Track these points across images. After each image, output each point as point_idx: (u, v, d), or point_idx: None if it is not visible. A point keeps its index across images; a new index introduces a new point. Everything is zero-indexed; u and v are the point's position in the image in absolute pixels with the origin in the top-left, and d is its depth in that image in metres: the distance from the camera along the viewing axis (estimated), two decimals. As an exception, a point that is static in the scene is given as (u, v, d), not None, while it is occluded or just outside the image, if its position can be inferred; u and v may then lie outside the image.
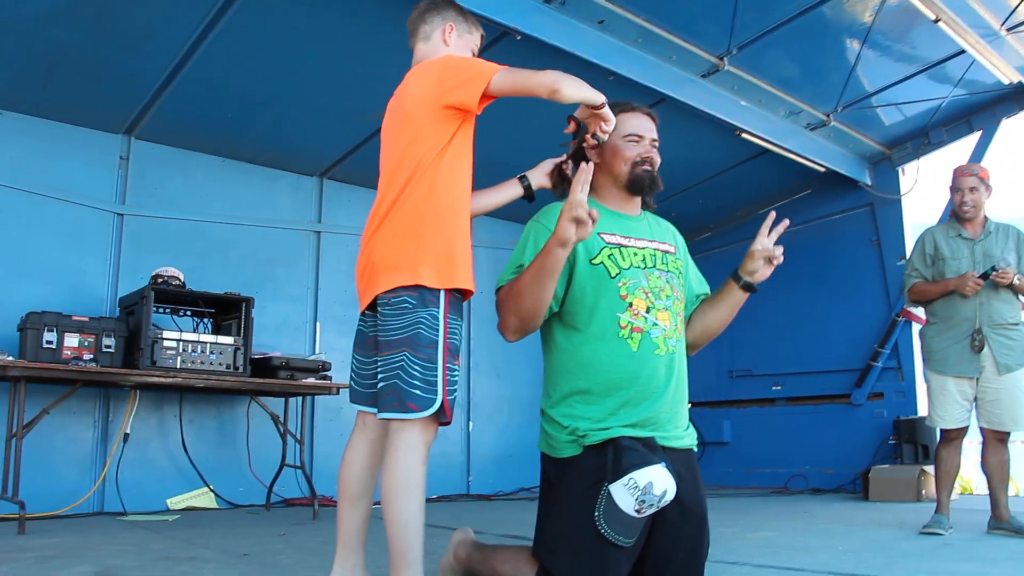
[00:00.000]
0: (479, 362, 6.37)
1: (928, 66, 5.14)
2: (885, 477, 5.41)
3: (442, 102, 2.00)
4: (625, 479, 1.85)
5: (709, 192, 6.46)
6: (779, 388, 6.85)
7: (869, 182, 6.37)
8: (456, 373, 1.99)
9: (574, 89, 1.97)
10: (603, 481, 1.88)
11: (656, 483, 1.84)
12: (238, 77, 4.37)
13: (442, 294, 1.95)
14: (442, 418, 1.94)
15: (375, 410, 2.04)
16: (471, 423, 6.30)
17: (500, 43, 4.06)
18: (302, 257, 5.59)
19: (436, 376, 1.91)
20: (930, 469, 5.22)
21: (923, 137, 6.11)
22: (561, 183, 2.30)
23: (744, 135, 5.31)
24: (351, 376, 2.16)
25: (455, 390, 1.98)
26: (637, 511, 1.85)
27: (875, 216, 6.39)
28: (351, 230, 5.68)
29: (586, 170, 1.86)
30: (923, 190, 6.59)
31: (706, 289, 2.42)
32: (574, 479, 1.86)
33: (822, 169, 6.02)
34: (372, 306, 2.03)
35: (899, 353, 6.14)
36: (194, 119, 4.79)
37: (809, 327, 6.66)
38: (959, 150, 6.17)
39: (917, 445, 5.67)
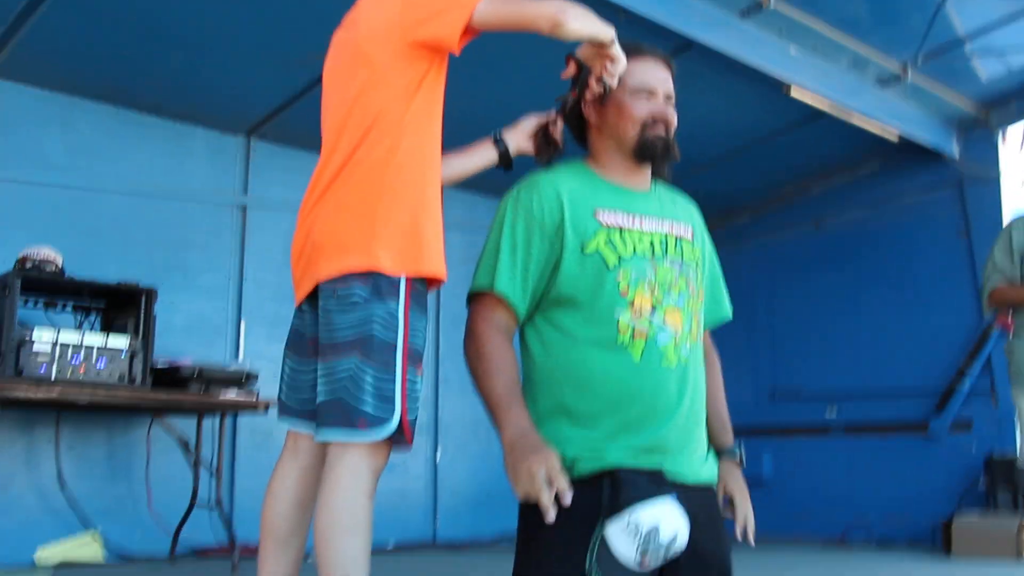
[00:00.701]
0: (449, 375, 6.39)
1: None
2: (973, 529, 5.46)
3: (410, 37, 2.01)
4: (624, 519, 1.85)
5: (747, 164, 6.50)
6: (834, 413, 6.91)
7: (957, 154, 6.42)
8: (418, 385, 2.00)
9: (582, 22, 1.97)
10: (597, 521, 1.89)
11: (664, 525, 1.85)
12: (139, 1, 4.36)
13: (403, 283, 1.96)
14: (400, 441, 1.96)
15: (311, 429, 2.05)
16: (439, 451, 6.33)
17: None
18: (222, 238, 5.61)
19: (394, 387, 1.92)
20: (1031, 520, 5.28)
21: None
22: (547, 148, 2.30)
23: (794, 92, 5.33)
24: (281, 386, 2.16)
25: (417, 406, 1.99)
26: (640, 561, 1.86)
27: (964, 198, 6.43)
28: (286, 205, 5.68)
29: None
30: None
31: (724, 312, 2.42)
32: (560, 519, 1.87)
33: (895, 137, 6.05)
34: (312, 297, 2.04)
35: (993, 372, 6.17)
36: (77, 54, 4.76)
37: (875, 337, 6.72)
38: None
39: (1017, 490, 5.70)
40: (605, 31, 2.02)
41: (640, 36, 4.23)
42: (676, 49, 4.76)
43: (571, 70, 2.16)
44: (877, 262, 6.74)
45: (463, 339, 2.14)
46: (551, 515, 1.83)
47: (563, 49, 2.13)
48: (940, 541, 5.74)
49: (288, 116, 5.47)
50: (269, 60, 4.87)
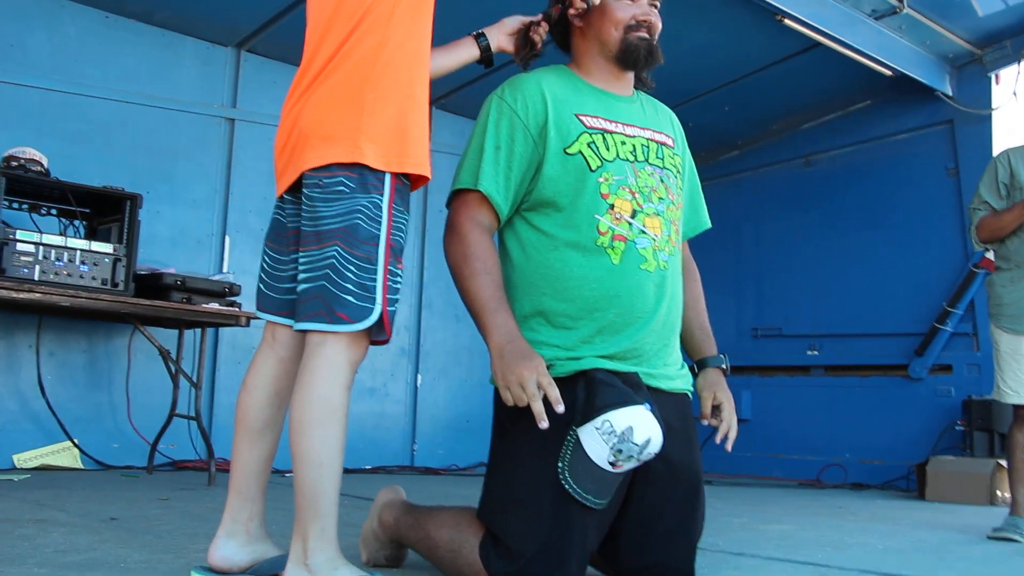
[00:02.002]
0: (432, 299, 6.42)
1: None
2: (948, 471, 5.43)
3: None
4: (598, 421, 1.88)
5: (738, 97, 6.47)
6: (815, 353, 6.97)
7: (950, 91, 6.40)
8: (399, 279, 2.00)
9: None
10: (570, 424, 1.92)
11: (637, 428, 1.88)
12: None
13: (388, 178, 1.95)
14: (379, 335, 1.95)
15: (289, 321, 2.05)
16: (419, 377, 6.37)
17: None
18: (209, 150, 5.58)
19: (375, 280, 1.91)
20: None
21: (1029, 32, 6.11)
22: (525, 49, 2.31)
23: (787, 22, 5.30)
24: (260, 277, 2.16)
25: (397, 299, 1.98)
26: (612, 463, 1.89)
27: (955, 136, 6.42)
28: (275, 119, 5.58)
29: None
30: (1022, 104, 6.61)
31: (703, 221, 2.44)
32: (533, 420, 1.90)
33: (888, 72, 6.03)
34: (295, 189, 2.03)
35: (975, 315, 6.21)
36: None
37: (858, 277, 6.74)
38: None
39: (993, 433, 5.70)
40: None
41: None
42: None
43: None
44: (865, 200, 6.75)
45: (443, 236, 2.14)
46: (544, 423, 1.87)
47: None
48: (915, 484, 5.79)
49: (279, 30, 5.42)
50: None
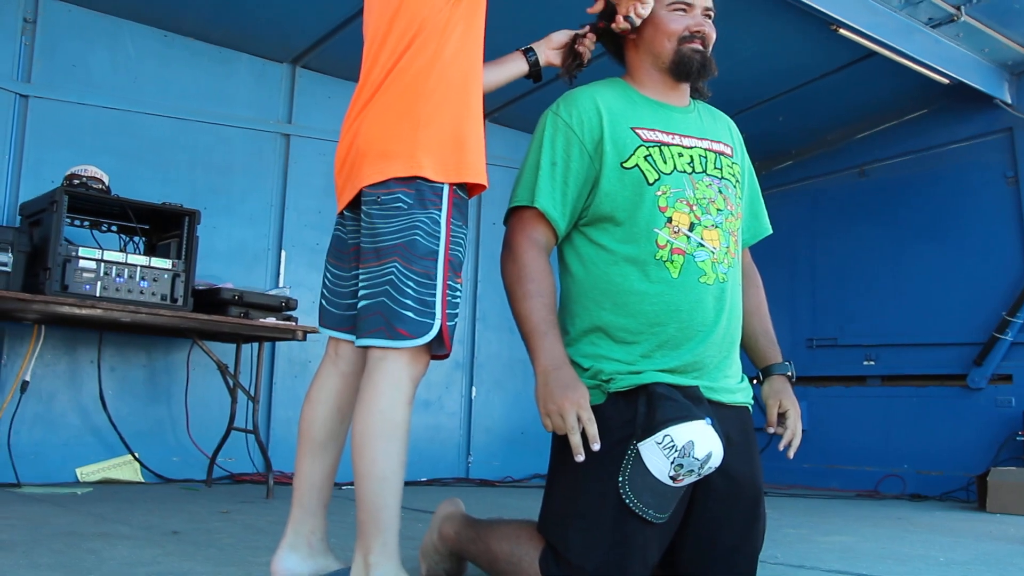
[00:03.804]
0: (487, 311, 6.43)
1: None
2: (1009, 483, 5.35)
3: None
4: (659, 435, 1.88)
5: (792, 107, 6.41)
6: (872, 364, 6.87)
7: (1010, 99, 6.28)
8: (458, 293, 2.01)
9: None
10: (631, 438, 1.92)
11: (698, 443, 1.87)
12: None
13: (446, 190, 1.97)
14: (438, 349, 1.97)
15: (351, 337, 2.07)
16: (474, 389, 6.38)
17: None
18: (265, 166, 5.63)
19: (435, 295, 1.93)
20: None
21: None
22: (572, 62, 2.33)
23: (842, 31, 5.24)
24: (322, 293, 2.19)
25: (456, 314, 2.00)
26: (673, 478, 1.89)
27: (1014, 144, 6.29)
28: (330, 134, 5.71)
29: None
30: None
31: (764, 227, 2.44)
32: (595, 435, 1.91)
33: (946, 80, 5.94)
34: (355, 205, 2.05)
35: (1036, 323, 6.12)
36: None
37: (915, 286, 6.65)
38: None
39: (1056, 444, 5.66)
40: None
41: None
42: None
43: (599, 5, 2.22)
44: (922, 210, 6.65)
45: (500, 254, 2.15)
46: (580, 457, 1.88)
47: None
48: (975, 495, 5.70)
49: (333, 45, 5.47)
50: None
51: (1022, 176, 6.21)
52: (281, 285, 5.40)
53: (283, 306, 4.64)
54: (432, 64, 2.01)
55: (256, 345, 4.84)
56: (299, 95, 5.78)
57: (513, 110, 6.23)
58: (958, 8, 5.47)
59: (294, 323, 4.65)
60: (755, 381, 2.32)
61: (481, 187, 2.09)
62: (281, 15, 5.20)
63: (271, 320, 4.54)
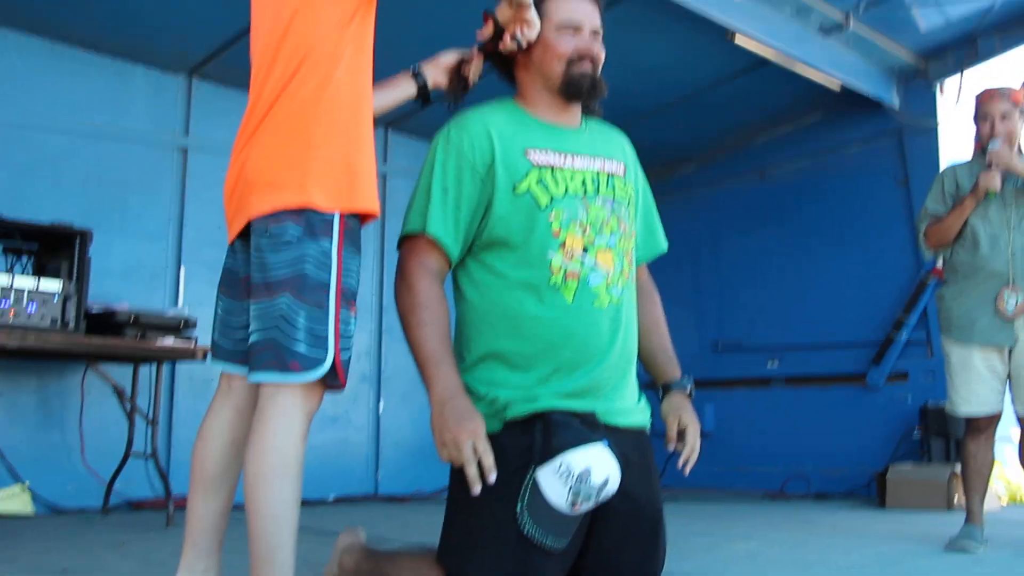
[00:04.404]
0: (392, 324, 6.36)
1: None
2: (907, 479, 5.51)
3: None
4: (556, 463, 1.87)
5: (691, 113, 6.50)
6: (776, 365, 7.00)
7: (897, 104, 6.46)
8: (352, 325, 1.99)
9: None
10: (528, 466, 1.90)
11: (595, 469, 1.86)
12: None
13: (336, 220, 1.94)
14: (332, 381, 1.94)
15: (244, 370, 2.03)
16: (381, 403, 6.32)
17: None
18: (162, 181, 5.50)
19: (327, 328, 1.90)
20: (962, 470, 5.39)
21: (969, 46, 6.18)
22: (458, 85, 2.32)
23: (738, 40, 5.34)
24: (214, 326, 2.15)
25: (350, 346, 1.98)
26: (571, 504, 1.87)
27: (903, 147, 6.49)
28: (229, 147, 5.55)
29: None
30: (966, 115, 6.71)
31: (659, 244, 2.44)
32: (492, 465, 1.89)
33: (837, 86, 6.09)
34: (245, 235, 2.01)
35: (928, 323, 6.23)
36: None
37: (815, 288, 6.79)
38: (1015, 63, 6.31)
39: (949, 439, 5.75)
40: None
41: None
42: (621, -6, 4.75)
43: (488, 30, 2.20)
44: (819, 212, 6.80)
45: (394, 281, 2.13)
46: (476, 488, 1.86)
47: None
48: (875, 492, 5.82)
49: (231, 55, 5.35)
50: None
51: (912, 178, 6.38)
52: (180, 303, 5.28)
53: (181, 325, 4.52)
54: (321, 89, 1.98)
55: (154, 365, 4.72)
56: (196, 107, 5.66)
57: (417, 118, 6.19)
58: (847, 16, 5.61)
59: (193, 342, 4.53)
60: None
61: (373, 215, 2.06)
62: (177, 24, 5.08)
63: (169, 340, 4.43)
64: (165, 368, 4.85)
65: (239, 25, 5.03)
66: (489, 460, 1.87)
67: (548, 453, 1.89)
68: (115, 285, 5.07)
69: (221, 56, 5.41)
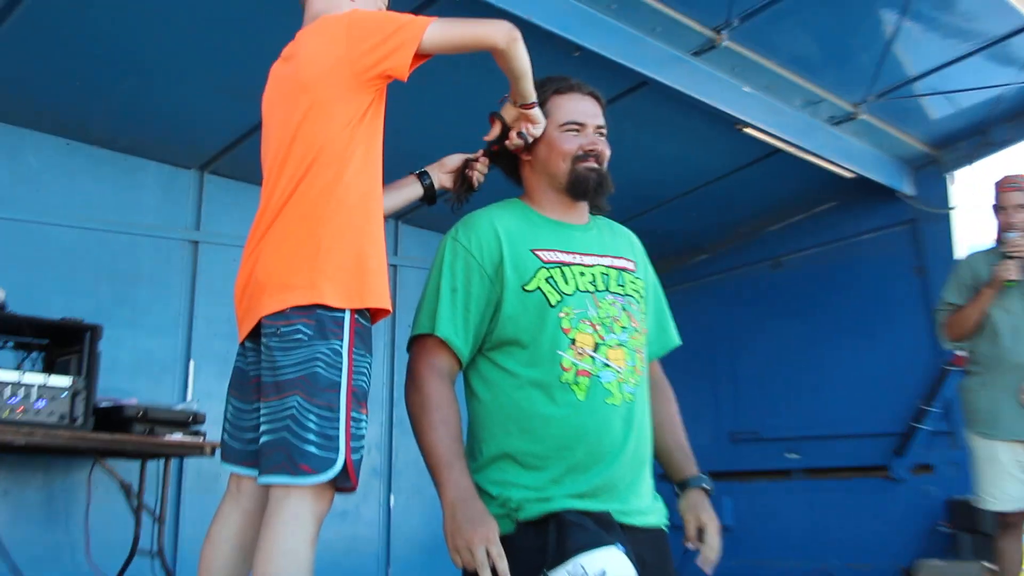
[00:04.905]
0: (403, 416, 6.24)
1: (989, 43, 5.22)
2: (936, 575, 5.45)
3: (358, 67, 2.03)
4: (570, 565, 1.85)
5: (703, 203, 6.53)
6: (796, 457, 6.91)
7: (910, 192, 6.49)
8: (363, 425, 1.99)
9: (525, 57, 2.09)
10: (542, 568, 1.89)
11: (610, 571, 1.85)
12: (87, 25, 4.27)
13: (347, 318, 1.96)
14: (343, 483, 1.94)
15: (254, 472, 2.03)
16: (392, 497, 6.25)
17: (433, 6, 4.11)
18: (173, 274, 5.54)
19: (338, 429, 1.91)
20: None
21: (981, 135, 6.22)
22: (462, 186, 2.37)
23: (748, 130, 5.40)
24: (224, 427, 2.16)
25: (361, 447, 1.98)
26: (586, 608, 1.87)
27: (918, 236, 6.49)
28: (239, 240, 5.60)
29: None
30: (979, 203, 6.74)
31: (671, 339, 2.45)
32: (504, 565, 1.88)
33: (849, 175, 6.12)
34: (255, 335, 2.03)
35: (952, 413, 6.13)
36: (25, 84, 4.69)
37: (833, 377, 6.72)
38: (1030, 151, 6.35)
39: (978, 534, 5.63)
40: (530, 89, 2.14)
41: (594, 73, 4.28)
42: (630, 87, 4.84)
43: (495, 131, 2.25)
44: (835, 300, 6.77)
45: (404, 383, 2.14)
46: None
47: (491, 104, 2.20)
48: (903, 587, 5.73)
49: (242, 151, 5.42)
50: (223, 94, 4.82)
51: (929, 266, 6.37)
52: (189, 398, 5.29)
53: (190, 420, 4.53)
54: (331, 189, 2.02)
55: (162, 461, 4.70)
56: (208, 201, 5.73)
57: (427, 211, 6.25)
58: (856, 107, 5.67)
59: (202, 438, 4.53)
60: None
61: (385, 312, 2.08)
62: (189, 121, 5.17)
63: (177, 436, 4.43)
64: (173, 464, 4.84)
65: (251, 120, 5.13)
66: (503, 566, 1.86)
67: (562, 555, 1.88)
68: (124, 379, 5.07)
69: (232, 151, 5.49)
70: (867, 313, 6.65)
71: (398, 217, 6.42)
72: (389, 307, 2.07)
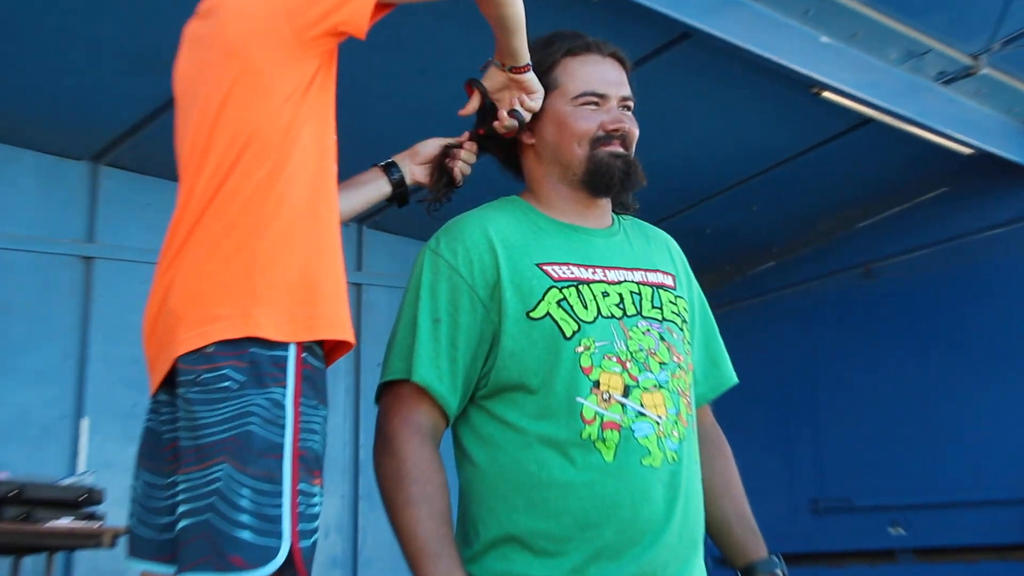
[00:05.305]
0: (372, 488, 6.29)
1: None
2: None
3: (300, 22, 2.04)
4: None
5: (769, 192, 6.57)
6: (902, 532, 6.91)
7: (1050, 171, 6.51)
8: (316, 501, 1.99)
9: (518, 2, 2.08)
10: None
11: None
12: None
13: (292, 357, 1.95)
14: None
15: (171, 569, 2.01)
16: (358, 592, 6.29)
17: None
18: (58, 301, 5.58)
19: (280, 507, 1.89)
20: None
21: None
22: (440, 182, 2.36)
23: (827, 94, 5.41)
24: (131, 510, 2.14)
25: (314, 530, 1.97)
26: None
27: (1062, 229, 6.52)
28: (147, 255, 5.63)
29: None
30: None
31: (726, 377, 2.47)
32: None
33: (966, 151, 6.13)
34: (171, 382, 2.02)
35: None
36: None
37: (949, 424, 6.72)
38: None
39: None
40: (522, 48, 2.14)
41: (619, 25, 4.33)
42: (667, 42, 4.85)
43: (474, 103, 2.26)
44: (948, 320, 6.74)
45: (373, 447, 2.14)
46: None
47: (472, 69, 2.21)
48: None
49: (148, 136, 5.45)
50: (122, 61, 4.86)
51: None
52: (81, 469, 5.29)
53: (83, 500, 4.54)
54: (269, 185, 2.00)
55: (45, 556, 4.70)
56: (104, 203, 5.76)
57: (400, 211, 6.26)
58: (975, 58, 5.67)
59: (99, 524, 4.53)
60: None
61: (346, 346, 2.08)
62: (78, 98, 5.22)
63: (65, 522, 4.43)
64: (58, 560, 4.83)
65: (159, 96, 5.07)
66: None
67: None
68: (-9, 444, 5.09)
69: (136, 136, 5.52)
70: (996, 336, 6.63)
71: (361, 220, 6.43)
72: (350, 338, 2.06)
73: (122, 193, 5.80)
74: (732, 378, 2.47)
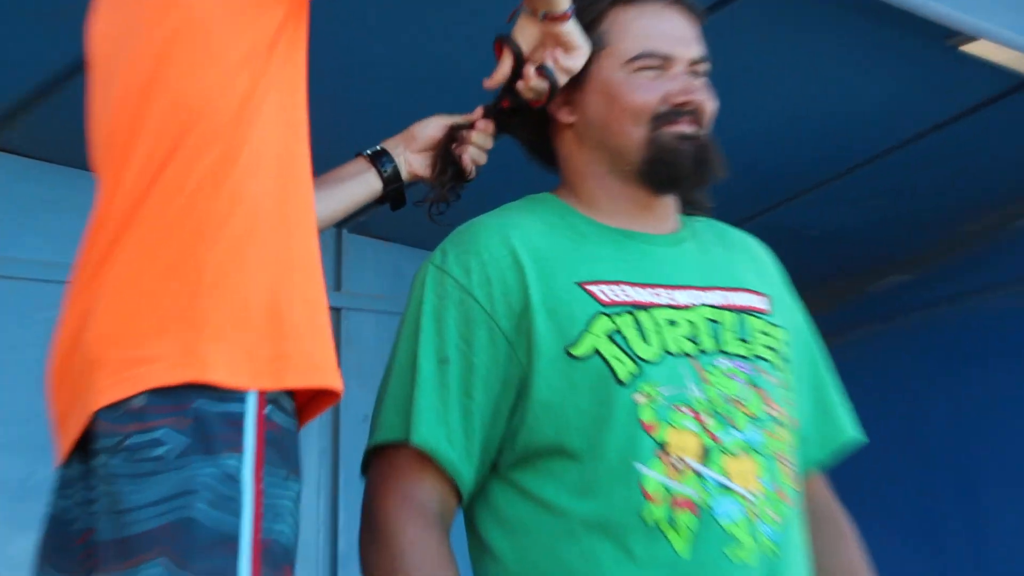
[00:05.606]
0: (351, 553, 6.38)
1: None
2: None
3: None
4: None
5: (893, 184, 6.57)
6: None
7: None
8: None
9: None
10: None
11: None
12: None
13: (250, 410, 1.96)
14: None
15: None
16: None
17: None
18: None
19: None
20: None
21: None
22: (445, 175, 2.38)
23: (969, 48, 5.44)
24: None
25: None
26: None
27: None
28: (54, 272, 5.67)
29: None
30: None
31: (843, 432, 2.49)
32: None
33: None
34: (85, 447, 2.04)
35: None
36: None
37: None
38: None
39: None
40: None
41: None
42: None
43: (504, 68, 2.26)
44: None
45: (359, 533, 2.15)
46: None
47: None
48: None
49: (50, 111, 5.49)
50: (13, 17, 4.91)
51: None
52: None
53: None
54: (220, 178, 2.01)
55: None
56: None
57: (392, 214, 6.28)
58: None
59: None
60: None
61: (329, 396, 2.07)
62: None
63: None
64: None
65: (65, 58, 5.07)
66: None
67: None
68: None
69: (32, 111, 5.58)
70: None
71: (341, 225, 6.45)
72: (334, 385, 2.07)
73: (10, 186, 5.80)
74: (853, 434, 2.48)
